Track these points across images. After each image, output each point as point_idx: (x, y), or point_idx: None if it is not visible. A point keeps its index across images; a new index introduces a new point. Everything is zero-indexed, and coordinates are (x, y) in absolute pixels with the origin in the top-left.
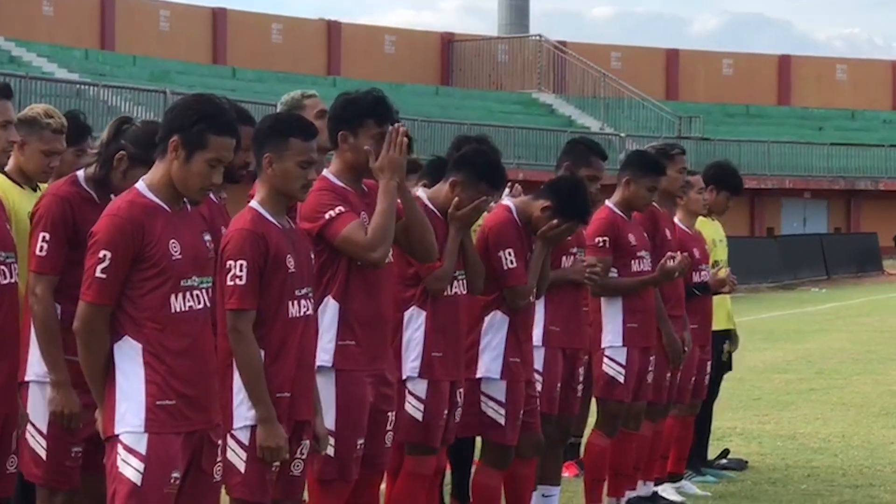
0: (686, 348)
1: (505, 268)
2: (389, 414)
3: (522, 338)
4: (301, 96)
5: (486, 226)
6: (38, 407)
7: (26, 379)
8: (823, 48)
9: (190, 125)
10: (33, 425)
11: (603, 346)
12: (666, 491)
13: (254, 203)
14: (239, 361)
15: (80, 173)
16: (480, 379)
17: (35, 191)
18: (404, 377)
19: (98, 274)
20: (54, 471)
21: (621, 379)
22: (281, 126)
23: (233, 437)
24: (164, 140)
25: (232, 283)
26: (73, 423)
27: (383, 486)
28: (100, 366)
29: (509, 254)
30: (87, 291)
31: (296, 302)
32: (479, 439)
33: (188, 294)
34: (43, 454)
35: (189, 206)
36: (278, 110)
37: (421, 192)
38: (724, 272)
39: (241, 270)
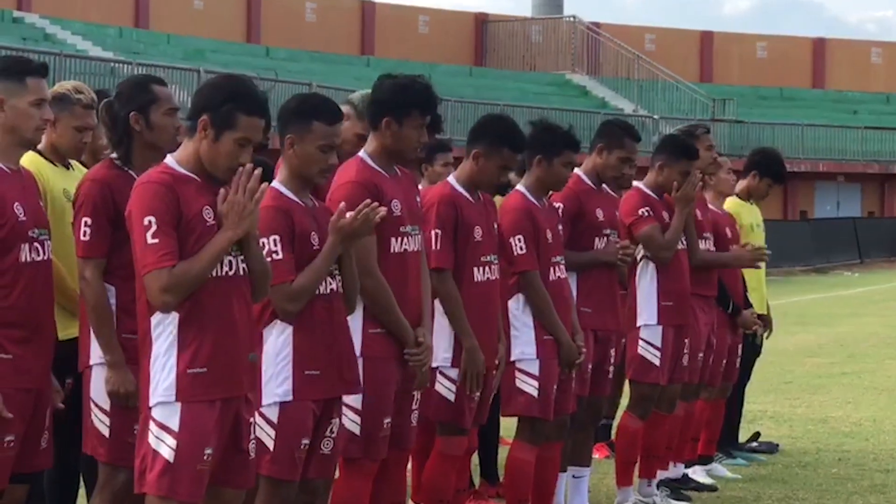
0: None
1: (515, 254)
2: (415, 393)
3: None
4: (360, 98)
5: (500, 211)
6: (101, 388)
7: (91, 363)
8: (856, 31)
9: (219, 104)
10: (97, 406)
11: (638, 324)
12: (696, 473)
13: (275, 182)
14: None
15: (114, 155)
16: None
17: (67, 168)
18: (435, 365)
19: (150, 241)
20: (118, 448)
21: (656, 362)
22: (305, 108)
23: (262, 414)
24: (194, 118)
25: (268, 259)
26: (131, 402)
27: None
28: (190, 263)
29: (519, 240)
30: (146, 263)
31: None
32: (503, 421)
33: (223, 260)
34: (106, 432)
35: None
36: (360, 95)
37: (451, 177)
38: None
39: (275, 245)
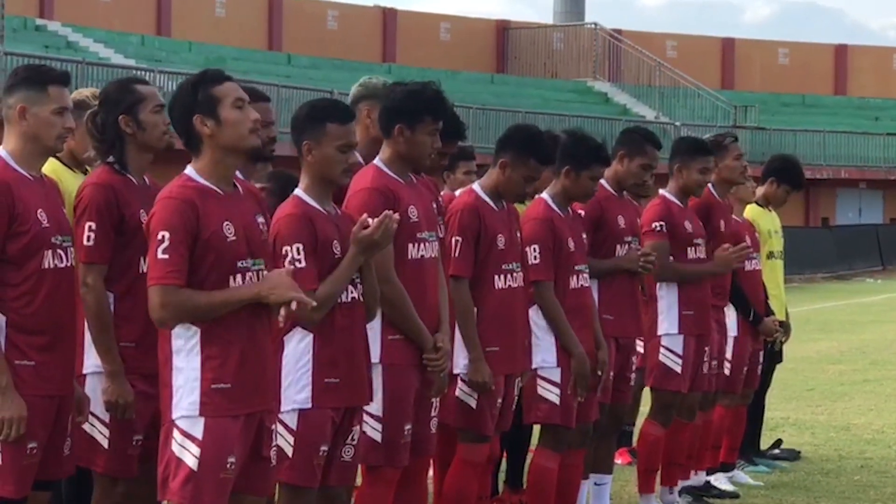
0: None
1: (528, 262)
2: (434, 400)
3: (574, 325)
4: (382, 85)
5: (522, 219)
6: (98, 397)
7: (84, 372)
8: (878, 37)
9: (194, 99)
10: (94, 415)
11: (659, 333)
12: (718, 480)
13: (297, 191)
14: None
15: (111, 159)
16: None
17: (86, 174)
18: (457, 372)
19: (159, 255)
20: (116, 459)
21: (678, 369)
22: (317, 112)
23: (280, 421)
24: (187, 130)
25: (291, 267)
26: (128, 413)
27: (430, 473)
28: (210, 298)
29: (535, 249)
30: (150, 276)
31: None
32: (535, 427)
33: (245, 275)
34: (105, 443)
35: (241, 189)
36: (354, 91)
37: (476, 185)
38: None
39: (299, 254)
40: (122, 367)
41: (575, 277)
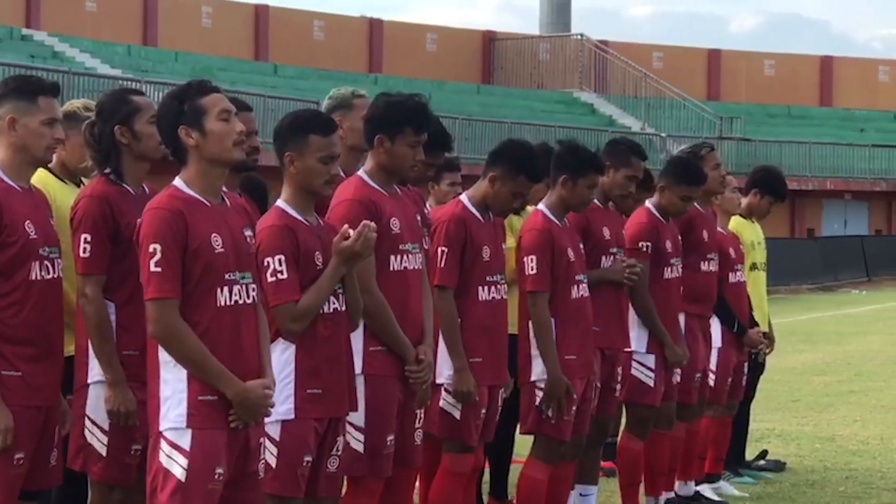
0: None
1: (525, 273)
2: (418, 411)
3: (576, 335)
4: (351, 95)
5: (521, 230)
6: (100, 406)
7: (88, 381)
8: (863, 49)
9: (179, 110)
10: (95, 423)
11: (627, 349)
12: (704, 491)
13: (279, 202)
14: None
15: (107, 170)
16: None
17: (78, 185)
18: (440, 382)
19: (153, 269)
20: (114, 468)
21: (651, 384)
22: (300, 123)
23: (264, 432)
24: (173, 142)
25: (273, 278)
26: (131, 421)
27: (416, 485)
28: (203, 356)
29: (531, 259)
30: (147, 290)
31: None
32: (517, 437)
33: (232, 288)
34: (104, 451)
35: (229, 202)
36: (325, 105)
37: (464, 196)
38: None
39: (280, 265)
40: (123, 375)
41: (576, 287)
